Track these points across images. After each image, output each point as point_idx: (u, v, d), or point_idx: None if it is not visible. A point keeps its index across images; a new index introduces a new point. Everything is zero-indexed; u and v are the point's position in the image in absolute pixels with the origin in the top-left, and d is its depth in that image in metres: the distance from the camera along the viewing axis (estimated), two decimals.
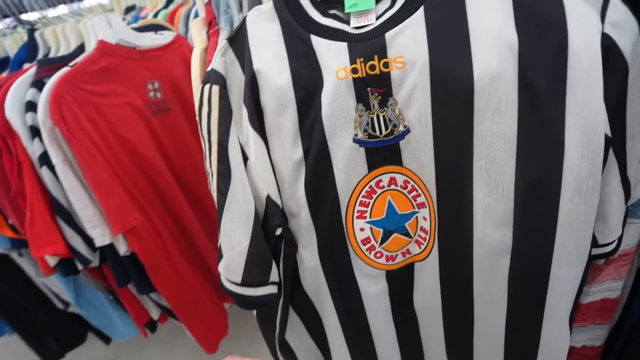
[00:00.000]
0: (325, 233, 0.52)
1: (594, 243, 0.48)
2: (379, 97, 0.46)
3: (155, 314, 1.02)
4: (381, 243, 0.52)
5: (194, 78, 0.57)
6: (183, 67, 0.93)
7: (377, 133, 0.48)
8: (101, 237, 0.76)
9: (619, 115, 0.43)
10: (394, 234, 0.52)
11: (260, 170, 0.51)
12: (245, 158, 0.52)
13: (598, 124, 0.41)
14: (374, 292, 0.55)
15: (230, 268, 0.53)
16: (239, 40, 0.52)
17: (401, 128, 0.47)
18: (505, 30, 0.41)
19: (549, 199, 0.44)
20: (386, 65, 0.45)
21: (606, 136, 0.42)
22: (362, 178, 0.50)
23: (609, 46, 0.40)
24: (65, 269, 0.82)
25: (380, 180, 0.50)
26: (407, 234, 0.52)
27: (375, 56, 0.45)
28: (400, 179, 0.50)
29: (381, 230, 0.52)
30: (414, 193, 0.50)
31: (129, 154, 0.80)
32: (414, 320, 0.59)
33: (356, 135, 0.48)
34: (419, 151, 0.47)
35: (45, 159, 0.73)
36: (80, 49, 0.83)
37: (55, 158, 0.71)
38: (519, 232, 0.46)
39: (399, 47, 0.44)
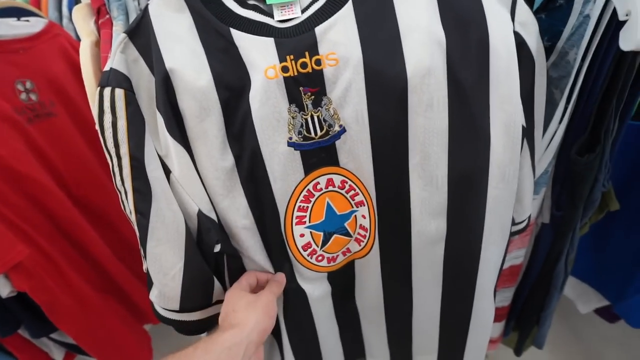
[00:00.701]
0: (268, 242, 0.50)
1: (512, 222, 0.53)
2: (312, 97, 0.44)
3: (58, 354, 0.86)
4: (322, 246, 0.51)
5: (86, 79, 0.47)
6: (63, 62, 0.78)
7: (312, 134, 0.45)
8: None
9: (529, 107, 0.48)
10: (334, 235, 0.51)
11: (187, 184, 0.45)
12: (167, 172, 0.45)
13: (517, 116, 0.44)
14: (318, 295, 0.54)
15: (165, 295, 0.47)
16: (141, 34, 0.44)
17: (337, 128, 0.45)
18: (433, 27, 0.41)
19: (478, 188, 0.47)
20: (318, 62, 0.42)
21: (522, 126, 0.45)
22: (299, 182, 0.47)
23: (519, 43, 0.43)
24: None
25: (318, 183, 0.48)
26: (347, 234, 0.51)
27: (306, 53, 0.42)
28: (337, 179, 0.48)
29: (321, 234, 0.50)
30: (352, 192, 0.49)
31: (0, 175, 0.64)
32: (356, 317, 0.60)
33: (290, 138, 0.45)
34: (356, 150, 0.46)
35: None
36: None
37: None
38: (453, 221, 0.48)
39: (330, 43, 0.42)
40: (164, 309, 0.48)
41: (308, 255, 0.51)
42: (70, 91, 0.78)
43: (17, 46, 0.72)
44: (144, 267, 0.50)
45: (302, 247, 0.50)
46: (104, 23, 0.51)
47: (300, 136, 0.45)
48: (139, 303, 0.93)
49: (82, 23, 0.51)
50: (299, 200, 0.48)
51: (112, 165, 0.44)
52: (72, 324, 0.75)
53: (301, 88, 0.43)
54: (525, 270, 0.77)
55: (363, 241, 0.52)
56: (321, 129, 0.45)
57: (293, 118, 0.44)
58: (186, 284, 0.46)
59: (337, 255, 0.52)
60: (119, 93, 0.42)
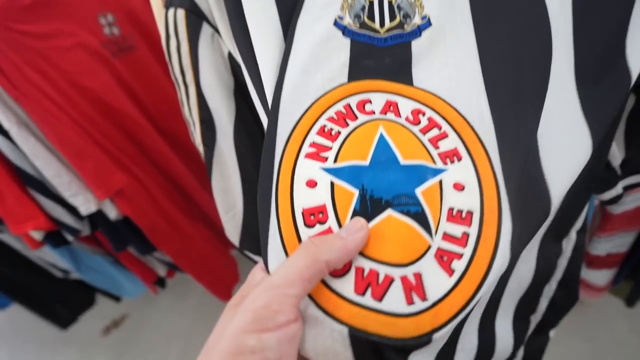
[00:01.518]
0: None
1: None
2: None
3: (162, 270, 0.98)
4: None
5: (153, 1, 0.45)
6: None
7: (376, 25, 0.30)
8: (85, 204, 0.68)
9: None
10: (388, 212, 0.25)
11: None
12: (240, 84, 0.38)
13: None
14: None
15: (229, 232, 0.46)
16: None
17: (417, 20, 0.30)
18: None
19: None
20: None
21: None
22: (335, 87, 0.29)
23: None
24: (54, 241, 0.75)
25: (368, 102, 0.28)
26: (421, 219, 0.24)
27: None
28: (406, 106, 0.28)
29: (355, 193, 0.25)
30: (435, 132, 0.27)
31: (95, 107, 0.68)
32: None
33: (341, 18, 0.30)
34: (450, 57, 0.29)
35: None
36: None
37: (6, 122, 0.60)
38: None
39: None
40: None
41: (305, 234, 0.25)
42: (148, 22, 0.77)
43: None
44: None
45: (304, 212, 0.25)
46: None
47: (357, 21, 0.30)
48: (223, 229, 0.99)
49: None
50: (324, 116, 0.27)
51: (180, 94, 0.42)
52: (168, 245, 0.83)
53: None
54: None
55: (458, 262, 0.24)
56: (392, 17, 0.30)
57: None
58: (245, 226, 0.44)
59: (388, 278, 0.23)
60: (180, 14, 0.38)
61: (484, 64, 0.29)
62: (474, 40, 0.29)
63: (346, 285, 0.23)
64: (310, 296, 0.24)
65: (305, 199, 0.25)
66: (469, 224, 0.24)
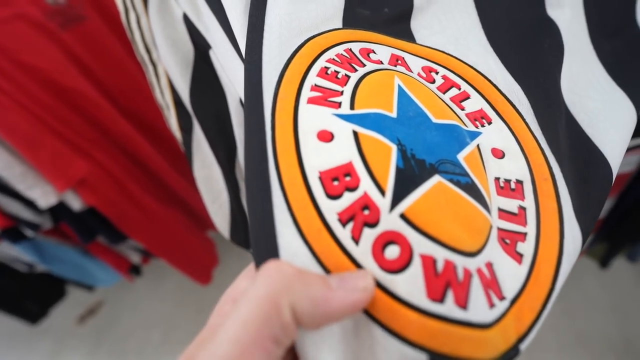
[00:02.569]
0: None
1: None
2: None
3: (135, 258, 0.94)
4: (398, 196, 0.17)
5: None
6: None
7: None
8: (43, 197, 0.62)
9: None
10: (437, 178, 0.18)
11: (226, 61, 0.30)
12: (206, 47, 0.32)
13: None
14: None
15: (219, 225, 0.43)
16: None
17: None
18: None
19: None
20: None
21: None
22: (329, 31, 0.24)
23: None
24: (12, 237, 0.69)
25: (372, 51, 0.23)
26: (476, 192, 0.19)
27: None
28: (414, 63, 0.24)
29: (392, 147, 0.18)
30: (454, 92, 0.23)
31: (45, 88, 0.60)
32: None
33: None
34: (451, 22, 0.26)
35: None
36: None
37: None
38: None
39: None
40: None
41: (330, 211, 0.17)
42: None
43: None
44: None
45: (322, 177, 0.18)
46: None
47: None
48: (198, 211, 0.95)
49: None
50: (323, 57, 0.21)
51: (149, 76, 0.38)
52: (140, 233, 0.79)
53: None
54: (633, 180, 0.66)
55: (523, 244, 0.20)
56: None
57: None
58: (234, 218, 0.40)
59: (467, 273, 0.17)
60: None
61: (486, 28, 0.26)
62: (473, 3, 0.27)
63: (414, 287, 0.16)
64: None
65: (319, 158, 0.18)
66: (522, 197, 0.20)
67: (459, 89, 0.23)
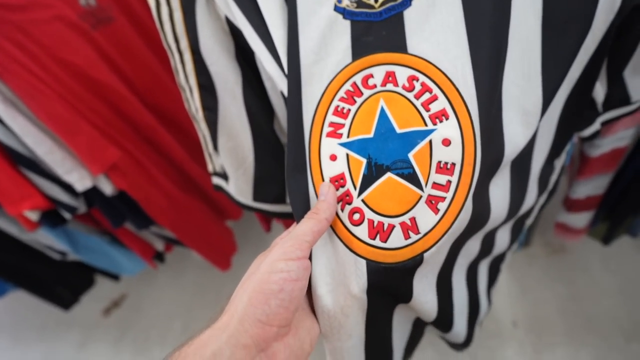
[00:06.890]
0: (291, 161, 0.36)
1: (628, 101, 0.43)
2: None
3: (159, 245, 1.00)
4: (361, 190, 0.32)
5: None
6: None
7: (372, 1, 0.34)
8: (80, 180, 0.68)
9: None
10: (388, 175, 0.31)
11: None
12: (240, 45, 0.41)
13: None
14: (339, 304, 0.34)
15: (240, 189, 0.49)
16: None
17: None
18: None
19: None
20: None
21: None
22: (343, 69, 0.33)
23: None
24: (51, 221, 0.75)
25: (371, 76, 0.33)
26: (412, 177, 0.31)
27: None
28: (402, 74, 0.32)
29: (363, 162, 0.32)
30: (426, 96, 0.31)
31: (80, 81, 0.67)
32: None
33: (339, 1, 0.34)
34: (438, 23, 0.32)
35: None
36: None
37: None
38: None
39: None
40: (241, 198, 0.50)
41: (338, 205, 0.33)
42: None
43: None
44: (209, 168, 0.52)
45: (330, 180, 0.33)
46: None
47: (353, 1, 0.34)
48: (218, 201, 1.01)
49: None
50: (337, 97, 0.33)
51: (175, 62, 0.43)
52: (165, 218, 0.84)
53: None
54: (631, 154, 0.69)
55: (442, 203, 0.31)
56: None
57: None
58: (257, 178, 0.47)
59: (390, 226, 0.31)
60: None
61: (469, 28, 0.31)
62: (460, 5, 0.32)
63: (363, 233, 0.31)
64: (340, 239, 0.32)
65: (330, 170, 0.33)
66: (452, 174, 0.30)
67: (431, 92, 0.31)
